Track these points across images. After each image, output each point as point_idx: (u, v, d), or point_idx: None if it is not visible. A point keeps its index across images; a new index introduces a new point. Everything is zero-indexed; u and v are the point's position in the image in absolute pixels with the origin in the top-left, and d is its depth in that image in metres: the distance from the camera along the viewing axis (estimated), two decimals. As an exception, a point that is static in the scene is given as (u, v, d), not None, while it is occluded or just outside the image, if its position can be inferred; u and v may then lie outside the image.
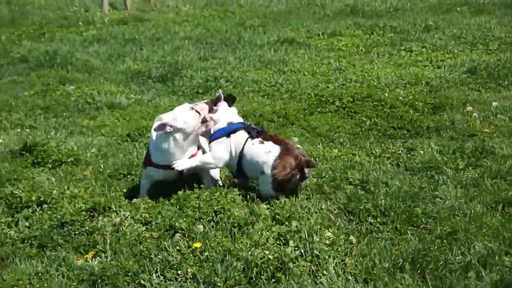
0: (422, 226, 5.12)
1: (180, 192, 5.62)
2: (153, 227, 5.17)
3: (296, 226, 4.92)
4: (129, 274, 4.44)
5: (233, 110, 6.00)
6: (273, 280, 4.37)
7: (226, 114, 5.85)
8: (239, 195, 5.46)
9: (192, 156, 5.79)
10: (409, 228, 5.08)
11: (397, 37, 13.72)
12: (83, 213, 5.33)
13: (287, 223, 5.03)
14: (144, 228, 5.17)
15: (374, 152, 6.94)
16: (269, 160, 5.46)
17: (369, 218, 5.29)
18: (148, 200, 5.66)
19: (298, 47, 13.37)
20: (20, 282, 4.08)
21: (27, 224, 5.25)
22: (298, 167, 5.46)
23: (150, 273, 4.44)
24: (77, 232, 5.09)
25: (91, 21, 17.56)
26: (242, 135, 5.71)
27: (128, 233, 5.04)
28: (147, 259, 4.60)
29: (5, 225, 5.22)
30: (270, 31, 15.24)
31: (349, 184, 5.98)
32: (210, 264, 4.44)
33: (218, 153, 5.70)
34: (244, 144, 5.64)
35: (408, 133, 7.69)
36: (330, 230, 4.92)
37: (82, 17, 18.25)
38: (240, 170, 5.75)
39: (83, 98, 9.88)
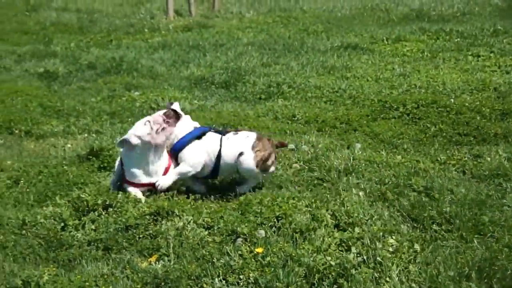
0: (489, 235, 4.99)
1: (241, 198, 5.66)
2: (215, 231, 5.21)
3: (359, 233, 4.88)
4: (192, 277, 4.49)
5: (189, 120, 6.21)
6: (335, 286, 4.32)
7: (188, 122, 6.10)
8: (300, 201, 5.45)
9: (167, 168, 5.98)
10: (476, 236, 4.96)
11: (464, 42, 13.46)
12: (147, 217, 5.41)
13: (349, 229, 4.99)
14: (206, 232, 5.21)
15: (439, 159, 6.81)
16: (249, 141, 5.94)
17: (434, 225, 5.19)
18: (211, 205, 5.71)
19: (362, 52, 13.28)
20: (87, 283, 4.17)
21: (93, 227, 5.36)
22: (273, 147, 6.06)
23: (212, 277, 4.47)
24: (141, 236, 5.18)
25: (156, 28, 17.87)
26: (213, 136, 6.03)
27: (191, 237, 5.09)
28: (210, 263, 4.64)
29: (73, 227, 5.34)
30: (333, 36, 15.19)
31: (413, 191, 5.89)
32: (272, 269, 4.43)
33: (194, 159, 5.96)
34: (220, 143, 5.96)
35: (474, 139, 7.53)
36: (393, 237, 4.85)
37: (148, 24, 18.59)
38: (214, 171, 6.06)
39: (148, 104, 10.05)
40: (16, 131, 8.77)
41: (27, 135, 8.71)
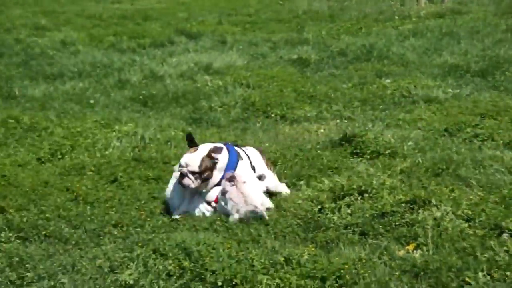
0: None
1: (505, 191, 5.32)
2: (476, 224, 4.96)
3: None
4: (453, 270, 4.29)
5: None
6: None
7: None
8: None
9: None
10: None
11: None
12: (403, 204, 5.31)
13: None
14: (466, 224, 4.98)
15: None
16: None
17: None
18: (470, 197, 5.45)
19: None
20: (346, 266, 4.19)
21: (349, 211, 5.37)
22: None
23: (475, 271, 4.24)
24: (397, 223, 5.08)
25: (407, 15, 17.52)
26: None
27: (450, 228, 4.90)
28: (472, 257, 4.42)
29: (329, 210, 5.41)
30: None
31: None
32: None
33: None
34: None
35: None
36: None
37: (398, 11, 18.30)
38: None
39: (399, 92, 9.86)
40: (272, 115, 9.12)
41: (282, 119, 9.00)
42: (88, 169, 6.65)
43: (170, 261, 4.42)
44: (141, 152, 7.17)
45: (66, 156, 7.07)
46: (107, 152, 7.20)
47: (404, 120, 8.54)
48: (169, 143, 7.60)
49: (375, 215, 5.25)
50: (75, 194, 5.93)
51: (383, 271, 4.33)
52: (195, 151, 5.66)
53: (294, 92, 10.13)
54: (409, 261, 4.48)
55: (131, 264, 4.48)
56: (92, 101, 9.99)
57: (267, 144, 7.51)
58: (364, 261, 4.49)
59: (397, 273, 4.30)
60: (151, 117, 9.02)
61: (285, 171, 6.56)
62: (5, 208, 5.55)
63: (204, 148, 5.66)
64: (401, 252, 4.68)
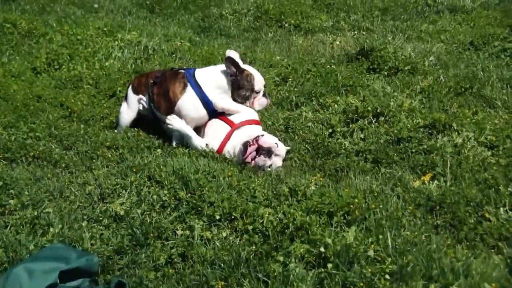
0: None
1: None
2: (500, 152, 4.55)
3: None
4: (471, 204, 3.90)
5: None
6: None
7: None
8: None
9: None
10: None
11: None
12: (421, 129, 4.89)
13: None
14: (489, 153, 4.57)
15: None
16: None
17: None
18: (495, 121, 5.02)
19: None
20: (356, 200, 3.81)
21: (362, 136, 4.97)
22: None
23: (496, 206, 3.86)
24: (413, 150, 4.67)
25: None
26: None
27: (471, 157, 4.49)
28: (493, 190, 4.02)
29: (340, 134, 5.01)
30: None
31: None
32: None
33: None
34: None
35: None
36: None
37: None
38: None
39: (423, 0, 9.24)
40: (286, 25, 8.60)
41: (296, 29, 8.52)
42: (85, 82, 6.22)
43: (166, 191, 4.04)
44: (143, 64, 6.71)
45: (64, 67, 6.62)
46: (107, 64, 6.75)
47: (426, 31, 8.02)
48: (173, 54, 7.11)
49: (390, 140, 4.84)
50: (69, 110, 5.53)
51: (396, 204, 3.95)
52: None
53: (311, 0, 9.53)
54: (424, 194, 4.09)
55: (123, 192, 4.13)
56: (96, 6, 9.45)
57: (278, 57, 7.03)
58: (375, 193, 4.11)
59: (410, 207, 3.93)
60: (157, 25, 8.51)
61: (296, 88, 6.11)
62: (-8, 125, 5.15)
63: None
64: (417, 183, 4.30)
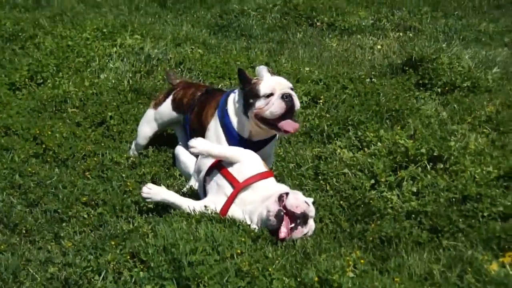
0: None
1: None
2: None
3: None
4: None
5: None
6: None
7: None
8: None
9: None
10: None
11: None
12: (493, 182, 3.76)
13: None
14: None
15: None
16: None
17: None
18: None
19: None
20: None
21: (413, 189, 3.79)
22: None
23: None
24: (485, 214, 3.48)
25: None
26: None
27: None
28: None
29: (386, 185, 3.81)
30: None
31: None
32: None
33: None
34: None
35: None
36: None
37: None
38: None
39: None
40: (318, 23, 7.53)
41: (330, 29, 7.47)
42: (70, 104, 5.12)
43: (151, 279, 2.94)
44: (142, 79, 5.58)
45: (48, 81, 5.57)
46: (101, 77, 5.65)
47: (486, 32, 6.86)
48: (182, 64, 5.94)
49: (453, 199, 3.64)
50: (43, 146, 4.43)
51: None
52: None
53: (347, -7, 8.46)
54: (507, 285, 2.91)
55: (96, 278, 3.03)
56: (99, -1, 8.39)
57: (307, 68, 5.86)
58: (437, 285, 2.94)
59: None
60: (167, 23, 7.41)
61: (328, 114, 4.92)
62: None
63: None
64: (493, 266, 3.10)
